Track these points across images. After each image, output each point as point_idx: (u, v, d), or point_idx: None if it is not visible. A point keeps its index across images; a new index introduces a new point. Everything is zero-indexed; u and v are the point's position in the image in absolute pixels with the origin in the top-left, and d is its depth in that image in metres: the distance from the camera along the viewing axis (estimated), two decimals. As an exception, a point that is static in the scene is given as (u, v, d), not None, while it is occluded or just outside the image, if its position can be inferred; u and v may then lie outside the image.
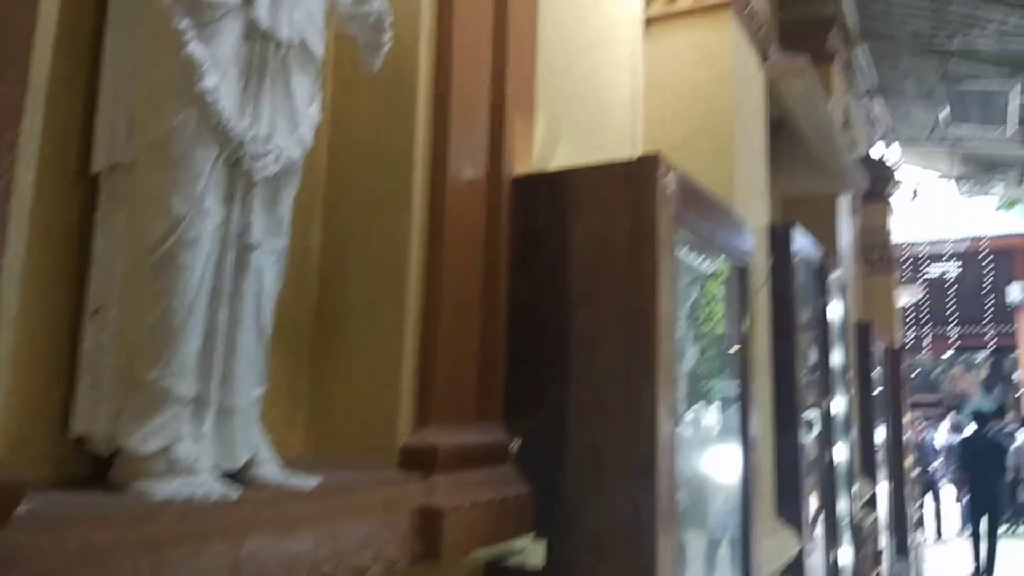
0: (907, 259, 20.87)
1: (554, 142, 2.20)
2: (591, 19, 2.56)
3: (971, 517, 9.77)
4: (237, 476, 1.17)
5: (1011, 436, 12.29)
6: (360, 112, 1.66)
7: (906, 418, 7.40)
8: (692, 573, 2.10)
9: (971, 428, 10.12)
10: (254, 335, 1.25)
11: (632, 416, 1.63)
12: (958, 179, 10.76)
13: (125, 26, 1.21)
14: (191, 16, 1.19)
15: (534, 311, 1.75)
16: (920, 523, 9.83)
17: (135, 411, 1.07)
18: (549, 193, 1.81)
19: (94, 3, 1.23)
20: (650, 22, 2.92)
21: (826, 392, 3.71)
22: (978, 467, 9.49)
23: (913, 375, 25.47)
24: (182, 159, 1.17)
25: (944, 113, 7.52)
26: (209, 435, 1.13)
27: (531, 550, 1.71)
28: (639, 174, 1.73)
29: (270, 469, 1.21)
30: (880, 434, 5.66)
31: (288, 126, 1.35)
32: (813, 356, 3.69)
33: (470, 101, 1.76)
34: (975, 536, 9.52)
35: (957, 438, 11.49)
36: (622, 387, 1.62)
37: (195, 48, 1.18)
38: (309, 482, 1.22)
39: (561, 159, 2.22)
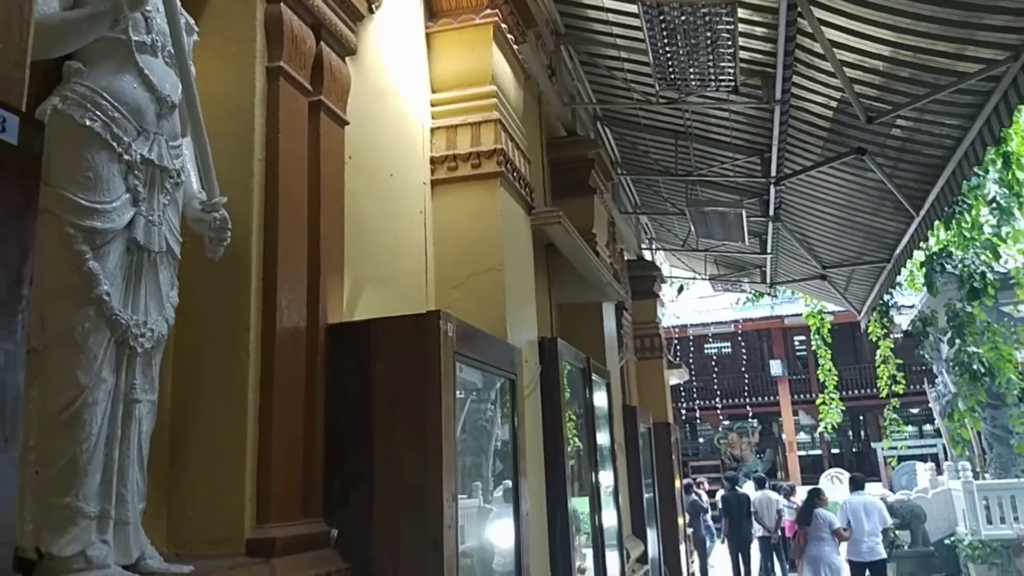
0: (679, 343, 22.88)
1: (359, 293, 2.71)
2: (388, 185, 3.13)
3: (731, 554, 12.36)
4: (133, 568, 1.55)
5: (792, 489, 13.77)
6: (206, 288, 2.09)
7: (677, 482, 8.36)
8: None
9: (749, 486, 12.10)
10: (138, 466, 1.65)
11: (423, 506, 2.12)
12: (712, 278, 12.35)
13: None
14: (88, 242, 1.61)
15: (347, 432, 2.22)
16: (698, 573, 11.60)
17: (55, 526, 1.44)
18: (356, 339, 2.31)
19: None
20: (435, 184, 3.54)
21: (592, 467, 4.37)
22: (732, 516, 11.99)
23: (700, 443, 27.68)
24: (84, 344, 1.57)
25: (691, 232, 8.80)
26: (111, 540, 1.51)
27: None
28: (426, 324, 2.27)
29: (156, 562, 1.60)
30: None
31: (158, 309, 1.78)
32: (582, 440, 4.36)
33: (292, 270, 2.24)
34: (735, 569, 12.00)
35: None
36: (416, 484, 2.12)
37: (92, 264, 1.60)
38: (184, 569, 1.62)
39: (367, 304, 2.73)
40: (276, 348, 2.10)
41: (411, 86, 3.44)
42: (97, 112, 1.67)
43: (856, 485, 10.63)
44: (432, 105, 3.61)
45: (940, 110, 5.29)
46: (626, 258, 9.51)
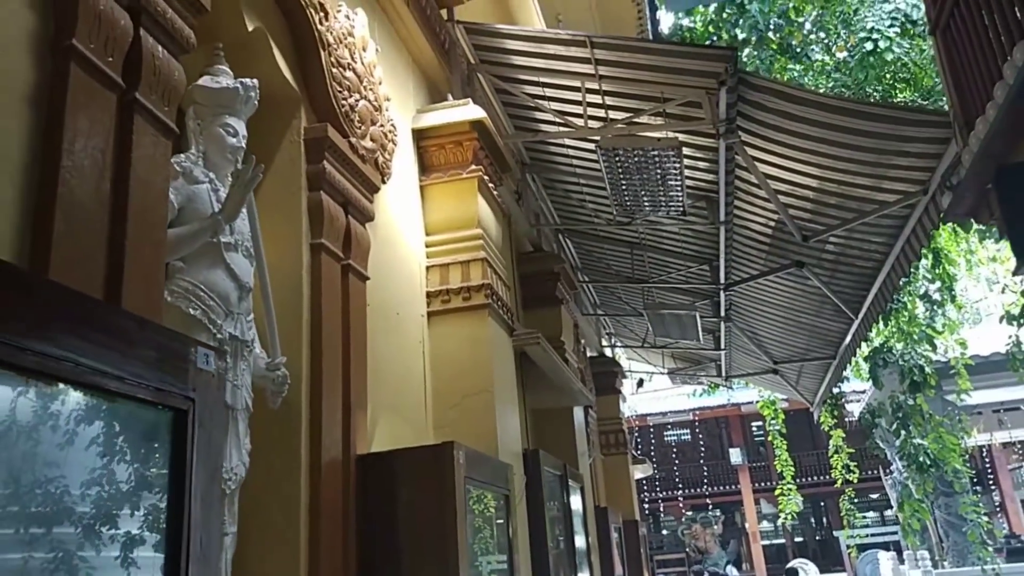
0: (639, 433, 23.29)
1: (375, 420, 3.16)
2: (396, 322, 3.62)
3: None
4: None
5: None
6: (264, 431, 2.53)
7: (647, 579, 8.66)
8: None
9: (709, 583, 12.76)
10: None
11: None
12: (671, 372, 12.96)
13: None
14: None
15: (377, 548, 2.64)
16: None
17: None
18: (381, 468, 2.76)
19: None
20: (431, 315, 4.05)
21: (572, 567, 4.76)
22: None
23: (664, 535, 27.73)
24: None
25: (649, 330, 9.44)
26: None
27: None
28: (442, 454, 2.74)
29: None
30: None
31: (238, 455, 2.22)
32: (561, 541, 4.76)
33: (332, 411, 2.70)
34: None
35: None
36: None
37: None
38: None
39: (381, 429, 3.18)
40: (322, 481, 2.53)
41: (409, 231, 3.99)
42: (198, 302, 2.15)
43: None
44: (427, 246, 4.16)
45: (867, 231, 6.04)
46: (588, 355, 10.04)
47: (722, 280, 7.83)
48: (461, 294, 4.05)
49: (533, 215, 7.13)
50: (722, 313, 9.08)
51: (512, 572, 3.38)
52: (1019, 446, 18.50)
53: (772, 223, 6.39)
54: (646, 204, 6.05)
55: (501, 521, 3.45)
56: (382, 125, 3.42)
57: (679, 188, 5.70)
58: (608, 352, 11.73)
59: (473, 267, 4.09)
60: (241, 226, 2.36)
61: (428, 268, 4.13)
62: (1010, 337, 10.46)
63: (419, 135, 4.30)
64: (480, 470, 3.01)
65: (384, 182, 3.43)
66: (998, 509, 20.97)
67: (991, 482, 21.41)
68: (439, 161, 4.28)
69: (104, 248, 1.72)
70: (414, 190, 4.18)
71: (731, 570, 18.24)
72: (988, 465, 21.23)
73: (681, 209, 6.09)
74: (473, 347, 3.99)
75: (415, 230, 4.09)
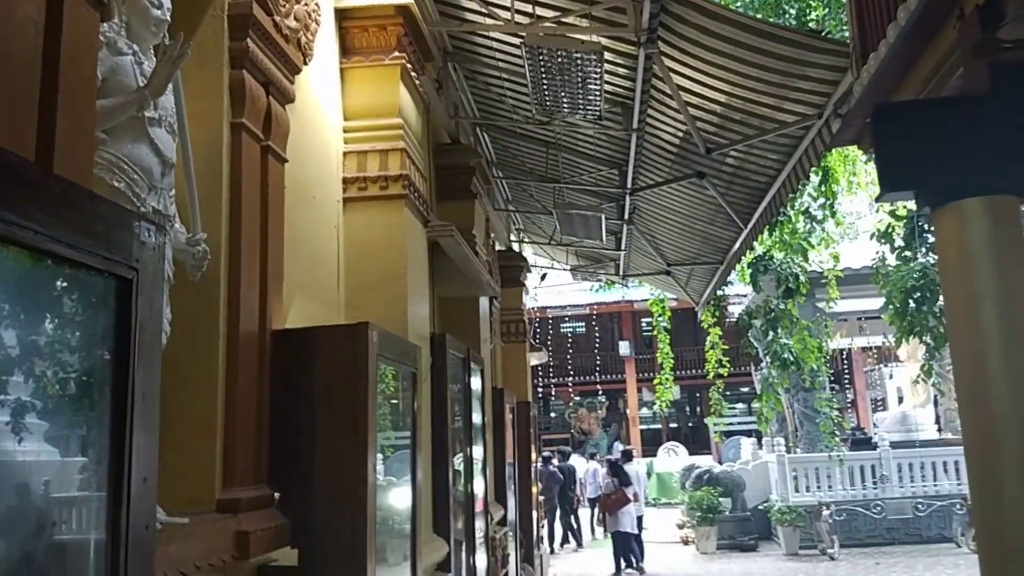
0: (538, 324, 24.09)
1: (290, 298, 3.24)
2: (312, 206, 3.64)
3: (562, 514, 15.53)
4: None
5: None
6: (185, 303, 2.57)
7: (533, 455, 9.25)
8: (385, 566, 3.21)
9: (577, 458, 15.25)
10: (149, 445, 2.16)
11: (353, 473, 2.72)
12: (573, 269, 13.36)
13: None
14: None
15: (290, 416, 2.78)
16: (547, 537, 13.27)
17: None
18: (298, 343, 2.86)
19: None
20: (347, 201, 4.07)
21: (468, 442, 5.07)
22: (562, 483, 15.18)
23: (552, 417, 29.19)
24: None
25: (556, 228, 9.67)
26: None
27: (288, 556, 2.72)
28: (357, 333, 2.85)
29: (161, 515, 2.12)
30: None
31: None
32: (460, 418, 5.05)
33: (249, 287, 2.76)
34: (563, 525, 15.87)
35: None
36: (347, 458, 2.72)
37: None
38: (183, 520, 2.16)
39: (295, 306, 3.26)
40: (239, 350, 2.62)
41: (328, 114, 3.95)
42: (122, 175, 2.15)
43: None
44: (344, 132, 4.13)
45: (765, 147, 6.32)
46: (497, 248, 10.23)
47: (629, 185, 8.06)
48: (378, 183, 4.07)
49: (453, 106, 7.05)
50: (626, 216, 9.38)
51: (415, 442, 3.61)
52: (875, 351, 20.15)
53: (680, 134, 6.58)
54: (565, 105, 6.10)
55: (402, 400, 3.64)
56: (306, 4, 3.32)
57: (598, 92, 5.77)
58: (516, 247, 11.96)
59: (392, 157, 4.11)
60: (165, 101, 2.32)
61: (346, 154, 4.12)
62: (876, 253, 11.30)
63: (341, 15, 4.17)
64: (391, 349, 3.16)
65: (306, 63, 3.37)
66: (850, 405, 23.04)
67: (847, 381, 23.39)
68: (361, 44, 4.19)
69: (35, 117, 1.70)
70: (334, 72, 4.11)
71: (618, 445, 19.79)
72: (847, 366, 23.11)
73: (598, 113, 6.18)
74: (388, 235, 4.06)
75: (334, 114, 4.05)
